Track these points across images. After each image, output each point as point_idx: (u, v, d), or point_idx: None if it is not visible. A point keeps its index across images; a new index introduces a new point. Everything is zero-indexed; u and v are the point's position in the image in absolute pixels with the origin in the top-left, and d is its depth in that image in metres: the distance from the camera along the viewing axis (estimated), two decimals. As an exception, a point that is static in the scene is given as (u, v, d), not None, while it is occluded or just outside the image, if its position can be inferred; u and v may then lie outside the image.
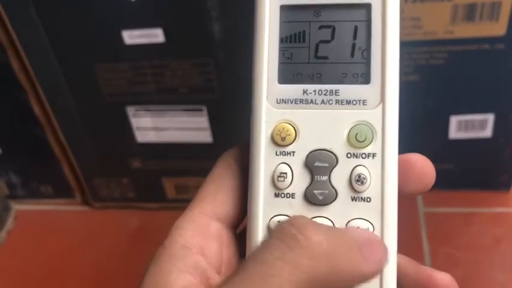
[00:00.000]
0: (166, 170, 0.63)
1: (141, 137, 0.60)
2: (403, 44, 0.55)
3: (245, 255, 0.26)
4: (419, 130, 0.57)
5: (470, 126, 0.57)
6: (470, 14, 0.48)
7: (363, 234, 0.23)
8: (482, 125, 0.57)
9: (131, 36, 0.51)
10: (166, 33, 0.51)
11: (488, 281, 0.55)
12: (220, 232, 0.26)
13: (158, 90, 0.55)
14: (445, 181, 0.63)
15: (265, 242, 0.22)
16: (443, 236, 0.59)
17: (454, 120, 0.57)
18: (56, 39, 0.53)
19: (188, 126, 0.58)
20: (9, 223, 0.67)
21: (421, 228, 0.60)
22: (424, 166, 0.25)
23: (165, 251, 0.24)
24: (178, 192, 0.65)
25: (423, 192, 0.26)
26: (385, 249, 0.23)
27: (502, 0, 0.47)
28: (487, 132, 0.57)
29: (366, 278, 0.22)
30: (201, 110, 0.56)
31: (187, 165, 0.62)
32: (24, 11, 0.51)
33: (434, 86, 0.54)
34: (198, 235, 0.25)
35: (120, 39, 0.52)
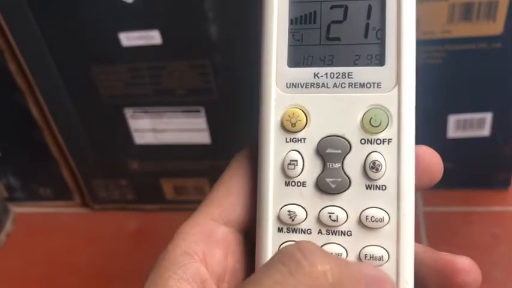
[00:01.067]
0: (164, 172, 0.63)
1: (139, 138, 0.60)
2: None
3: (255, 254, 0.25)
4: (417, 129, 0.57)
5: (468, 125, 0.57)
6: (467, 13, 0.48)
7: (372, 271, 0.22)
8: (481, 123, 0.57)
9: (128, 38, 0.51)
10: (164, 35, 0.51)
11: (487, 279, 0.55)
12: (226, 237, 0.25)
13: (156, 92, 0.55)
14: (443, 180, 0.62)
15: (268, 264, 0.20)
16: (443, 235, 0.59)
17: (452, 119, 0.57)
18: (53, 42, 0.53)
19: (186, 128, 0.58)
20: (9, 225, 0.67)
21: (421, 227, 0.60)
22: (431, 158, 0.24)
23: (167, 256, 0.23)
24: (177, 193, 0.64)
25: (430, 186, 0.25)
26: None
27: (499, 0, 0.47)
28: (485, 131, 0.57)
29: None
30: (198, 111, 0.56)
31: (186, 167, 0.62)
32: (21, 13, 0.51)
33: (432, 86, 0.54)
34: (202, 241, 0.24)
35: (117, 41, 0.52)
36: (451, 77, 0.53)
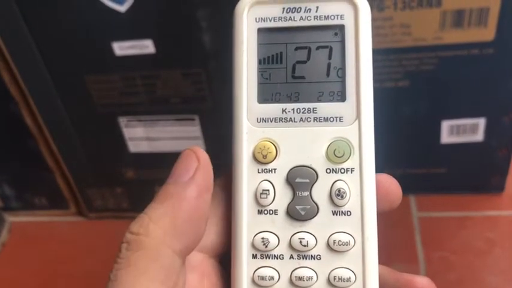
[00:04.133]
0: (159, 180, 0.62)
1: (134, 147, 0.60)
2: (394, 51, 0.55)
3: (230, 279, 0.26)
4: (410, 136, 0.58)
5: (461, 130, 0.57)
6: (458, 20, 0.49)
7: None
8: (474, 129, 0.57)
9: (121, 48, 0.51)
10: (157, 44, 0.51)
11: (483, 284, 0.55)
12: (202, 263, 0.26)
13: (150, 101, 0.55)
14: (437, 185, 0.63)
15: None
16: (437, 240, 0.59)
17: (445, 124, 0.57)
18: (46, 51, 0.53)
19: (180, 136, 0.58)
20: (4, 235, 0.67)
21: (415, 233, 0.60)
22: (390, 185, 0.26)
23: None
24: (172, 201, 0.64)
25: (390, 210, 0.26)
26: None
27: (490, 6, 0.48)
28: (479, 136, 0.58)
29: None
30: (193, 119, 0.56)
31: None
32: (13, 22, 0.51)
33: (425, 92, 0.55)
34: None
35: (110, 50, 0.52)
36: (444, 83, 0.54)
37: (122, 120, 0.58)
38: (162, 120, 0.57)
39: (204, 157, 0.25)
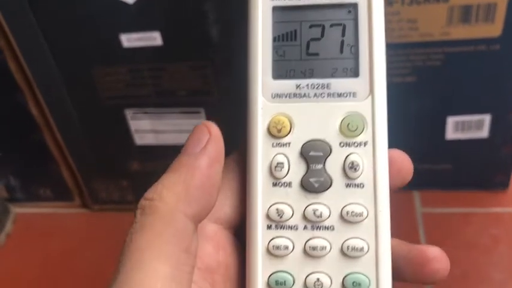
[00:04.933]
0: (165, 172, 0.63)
1: (140, 139, 0.60)
2: (400, 46, 0.55)
3: (244, 250, 0.27)
4: (416, 131, 0.58)
5: (467, 126, 0.57)
6: (466, 15, 0.49)
7: None
8: (479, 125, 0.57)
9: (129, 40, 0.52)
10: (164, 37, 0.51)
11: (487, 280, 0.55)
12: (216, 234, 0.26)
13: (156, 93, 0.55)
14: (442, 181, 0.63)
15: None
16: (441, 236, 0.60)
17: (450, 121, 0.57)
18: (53, 42, 0.53)
19: (186, 129, 0.58)
20: (9, 226, 0.67)
21: (419, 229, 0.60)
22: (403, 161, 0.27)
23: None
24: (177, 194, 0.65)
25: (403, 186, 0.27)
26: None
27: (497, 2, 0.48)
28: (484, 133, 0.58)
29: None
30: (199, 112, 0.56)
31: (186, 168, 0.62)
32: (21, 13, 0.51)
33: (431, 87, 0.55)
34: None
35: (118, 42, 0.52)
36: (450, 79, 0.54)
37: (128, 113, 0.58)
38: (168, 112, 0.57)
39: (216, 130, 0.26)
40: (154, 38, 0.51)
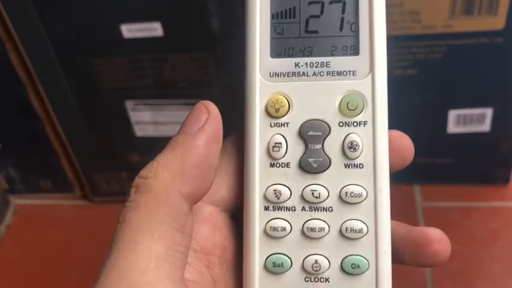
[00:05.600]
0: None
1: (140, 131, 0.60)
2: (402, 38, 0.55)
3: (242, 233, 0.26)
4: (417, 124, 0.57)
5: (468, 120, 0.57)
6: (469, 8, 0.48)
7: None
8: (481, 119, 0.57)
9: (130, 30, 0.51)
10: (165, 27, 0.51)
11: (487, 274, 0.55)
12: (213, 216, 0.26)
13: (157, 84, 0.55)
14: (443, 175, 0.63)
15: None
16: (442, 230, 0.59)
17: (452, 114, 0.57)
18: (54, 33, 0.53)
19: (187, 121, 0.58)
20: (9, 218, 0.67)
21: (420, 223, 0.60)
22: (403, 141, 0.26)
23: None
24: (177, 186, 0.65)
25: (403, 167, 0.26)
26: None
27: (501, -6, 0.47)
28: (486, 127, 0.57)
29: None
30: (199, 104, 0.56)
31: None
32: (22, 4, 0.51)
33: (433, 80, 0.54)
34: None
35: (118, 33, 0.52)
36: (452, 72, 0.53)
37: (129, 104, 0.58)
38: (168, 104, 0.57)
39: (214, 110, 0.25)
40: (155, 29, 0.51)
